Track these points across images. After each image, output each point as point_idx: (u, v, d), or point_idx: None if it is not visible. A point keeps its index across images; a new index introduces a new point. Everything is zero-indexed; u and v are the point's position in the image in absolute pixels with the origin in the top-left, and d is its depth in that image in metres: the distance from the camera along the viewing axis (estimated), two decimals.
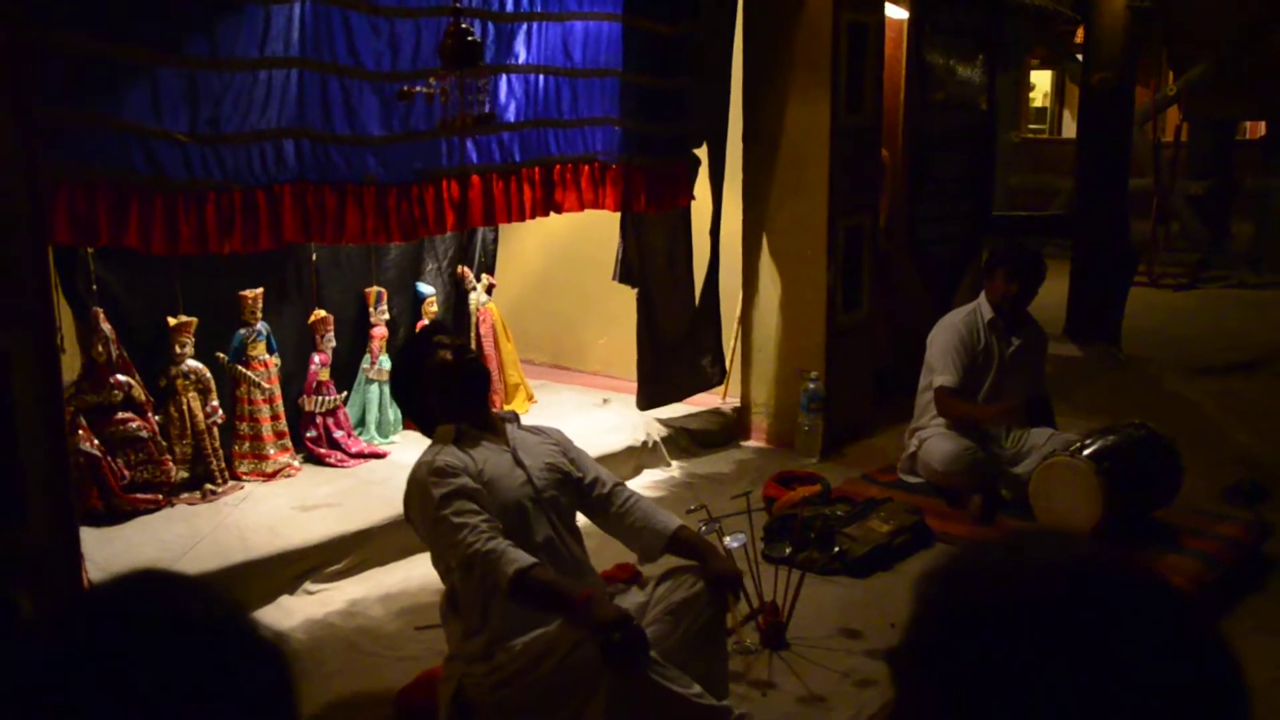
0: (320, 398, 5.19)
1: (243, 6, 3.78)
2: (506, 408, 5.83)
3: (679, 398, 6.01)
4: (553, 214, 5.09)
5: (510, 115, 4.72)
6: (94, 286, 4.41)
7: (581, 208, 5.14)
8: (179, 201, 3.71)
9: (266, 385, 4.94)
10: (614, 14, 5.02)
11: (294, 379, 5.17)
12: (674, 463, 5.69)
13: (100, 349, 4.36)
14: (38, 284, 2.94)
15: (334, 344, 5.23)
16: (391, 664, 3.69)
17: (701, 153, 5.70)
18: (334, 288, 5.36)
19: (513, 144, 4.75)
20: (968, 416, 4.93)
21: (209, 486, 4.70)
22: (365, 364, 5.45)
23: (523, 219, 4.94)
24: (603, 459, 4.98)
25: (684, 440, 5.86)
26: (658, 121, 5.32)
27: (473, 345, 5.92)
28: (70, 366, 4.20)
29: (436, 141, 4.43)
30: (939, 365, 4.99)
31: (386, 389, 5.30)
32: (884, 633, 3.82)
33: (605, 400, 6.26)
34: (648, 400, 5.79)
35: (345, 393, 5.37)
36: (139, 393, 4.50)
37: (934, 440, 4.95)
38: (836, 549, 4.37)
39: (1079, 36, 10.99)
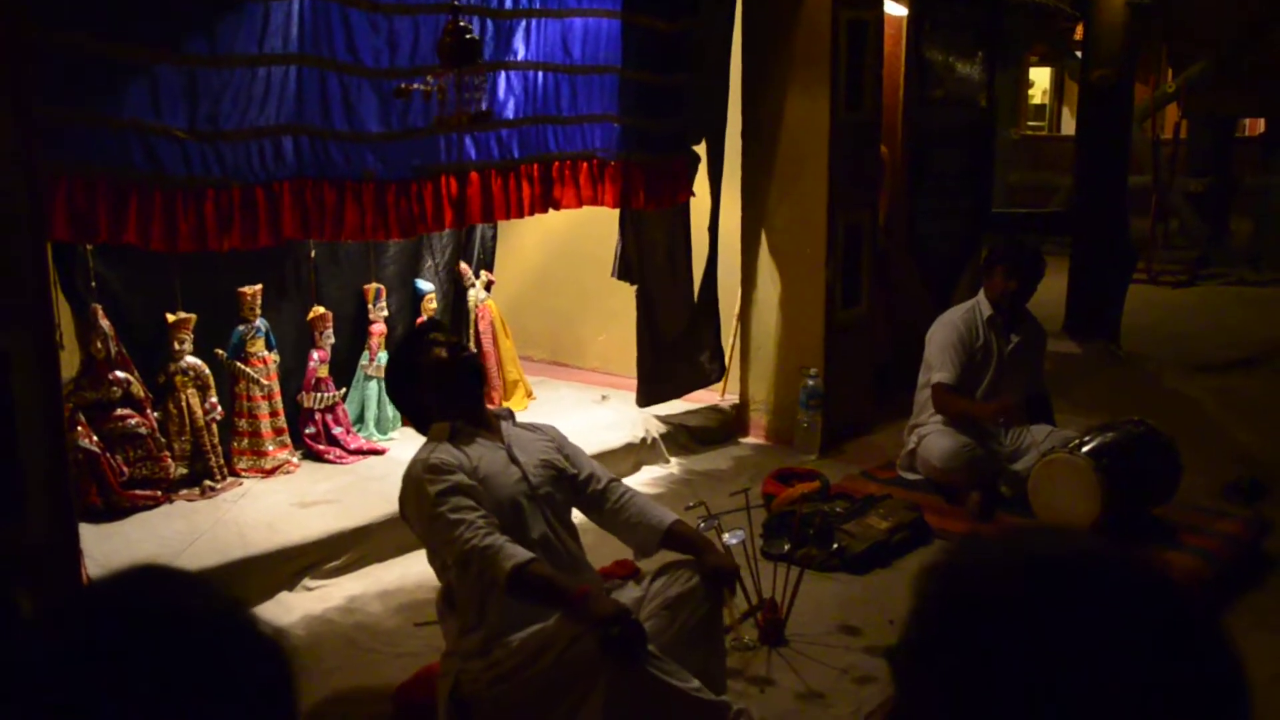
0: (319, 394, 5.19)
1: (242, 4, 3.78)
2: (505, 405, 5.83)
3: (678, 394, 6.02)
4: (551, 211, 5.09)
5: (509, 112, 4.72)
6: (93, 283, 4.40)
7: (580, 204, 5.14)
8: (178, 198, 3.71)
9: (265, 382, 4.94)
10: (613, 10, 5.01)
11: (293, 375, 5.17)
12: (673, 459, 5.69)
13: (99, 346, 4.36)
14: (37, 282, 2.94)
15: (333, 340, 5.23)
16: (390, 660, 3.69)
17: (701, 149, 5.70)
18: (333, 284, 5.36)
19: (511, 141, 4.75)
20: (966, 413, 4.94)
21: (208, 483, 4.70)
22: (364, 360, 5.44)
23: (521, 216, 4.94)
24: (601, 456, 4.99)
25: (683, 437, 5.86)
26: (657, 118, 5.32)
27: (471, 342, 5.92)
28: (69, 363, 4.20)
29: (435, 138, 4.43)
30: (937, 362, 4.99)
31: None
32: (883, 629, 3.83)
33: (604, 397, 6.27)
34: (647, 397, 5.80)
35: (344, 389, 5.37)
36: (138, 389, 4.50)
37: (933, 437, 4.95)
38: (835, 546, 4.37)
39: (1078, 33, 11.00)
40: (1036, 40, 13.21)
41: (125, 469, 4.42)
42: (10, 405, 2.85)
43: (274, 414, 4.98)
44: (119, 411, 4.44)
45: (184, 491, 4.64)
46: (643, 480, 5.39)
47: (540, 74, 4.80)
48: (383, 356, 5.39)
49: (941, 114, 6.96)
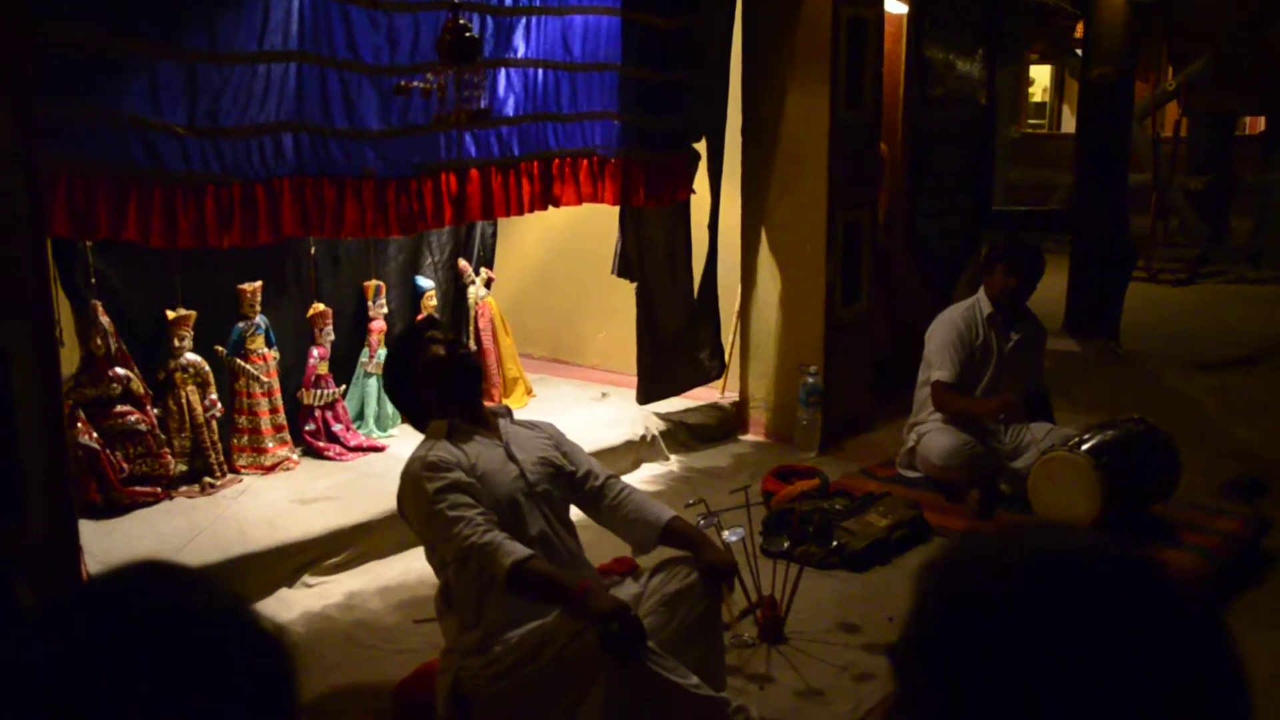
0: (319, 391, 5.19)
1: (242, 0, 3.78)
2: (505, 402, 5.83)
3: (678, 392, 6.02)
4: (551, 208, 5.09)
5: (509, 109, 4.71)
6: (93, 280, 4.40)
7: (580, 202, 5.13)
8: (178, 195, 3.71)
9: (265, 379, 4.94)
10: (613, 8, 5.01)
11: (292, 372, 5.17)
12: (672, 457, 5.69)
13: (99, 342, 4.36)
14: (37, 278, 2.94)
15: (333, 337, 5.23)
16: (390, 657, 3.69)
17: (700, 147, 5.69)
18: (332, 281, 5.36)
19: (511, 138, 4.75)
20: (965, 411, 4.94)
21: (207, 480, 4.70)
22: (364, 357, 5.44)
23: (521, 213, 4.94)
24: (601, 453, 5.00)
25: (682, 434, 5.86)
26: (657, 115, 5.31)
27: (471, 339, 5.92)
28: (69, 360, 4.20)
29: (435, 135, 4.43)
30: (937, 360, 4.99)
31: None
32: (882, 627, 3.83)
33: (604, 394, 6.27)
34: (647, 394, 5.80)
35: (344, 386, 5.37)
36: (138, 386, 4.50)
37: (932, 435, 4.95)
38: (835, 543, 4.37)
39: (1079, 31, 10.98)
40: (1037, 38, 13.20)
41: (125, 466, 4.42)
42: (10, 402, 2.85)
43: (274, 411, 4.98)
44: (119, 408, 4.44)
45: (184, 488, 4.64)
46: (642, 477, 5.39)
47: (540, 71, 4.80)
48: (382, 353, 5.39)
49: (942, 112, 6.96)
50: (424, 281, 5.74)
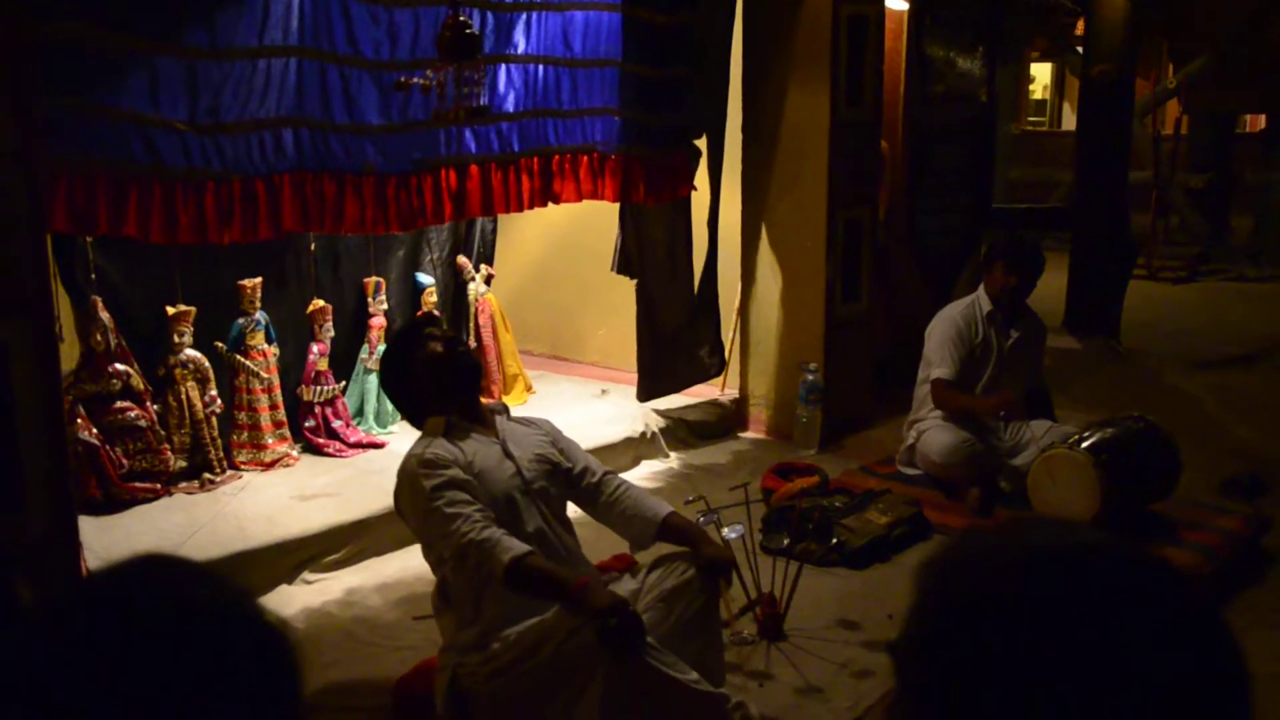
0: (319, 387, 5.19)
1: None
2: (505, 399, 5.83)
3: (678, 389, 6.01)
4: (551, 204, 5.08)
5: (509, 105, 4.71)
6: (93, 275, 4.40)
7: (580, 198, 5.13)
8: (178, 191, 3.71)
9: (265, 375, 4.94)
10: (613, 4, 5.00)
11: (292, 369, 5.17)
12: (672, 454, 5.69)
13: (99, 338, 4.36)
14: (37, 275, 2.94)
15: (332, 334, 5.23)
16: (389, 653, 3.69)
17: (701, 144, 5.69)
18: (332, 277, 5.36)
19: (511, 134, 4.74)
20: (965, 408, 4.94)
21: (207, 476, 4.71)
22: (364, 354, 5.44)
23: (521, 209, 4.94)
24: (601, 450, 5.00)
25: (682, 431, 5.86)
26: (657, 112, 5.31)
27: (471, 336, 5.92)
28: (69, 355, 4.20)
29: (435, 131, 4.43)
30: (936, 357, 4.99)
31: None
32: (881, 624, 3.83)
33: (604, 391, 6.26)
34: (647, 391, 5.79)
35: (344, 382, 5.37)
36: (137, 382, 4.50)
37: (932, 432, 4.95)
38: (834, 540, 4.37)
39: (1079, 29, 10.97)
40: (1037, 36, 13.19)
41: (125, 461, 4.42)
42: (10, 398, 2.85)
43: (273, 407, 4.98)
44: (118, 404, 4.44)
45: (183, 484, 4.64)
46: (642, 474, 5.39)
47: (540, 67, 4.80)
48: (382, 350, 5.39)
49: (942, 109, 6.95)
50: (424, 278, 5.74)
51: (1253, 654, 0.89)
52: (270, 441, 4.94)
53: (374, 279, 5.41)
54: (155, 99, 3.61)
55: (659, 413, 5.83)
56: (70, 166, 3.44)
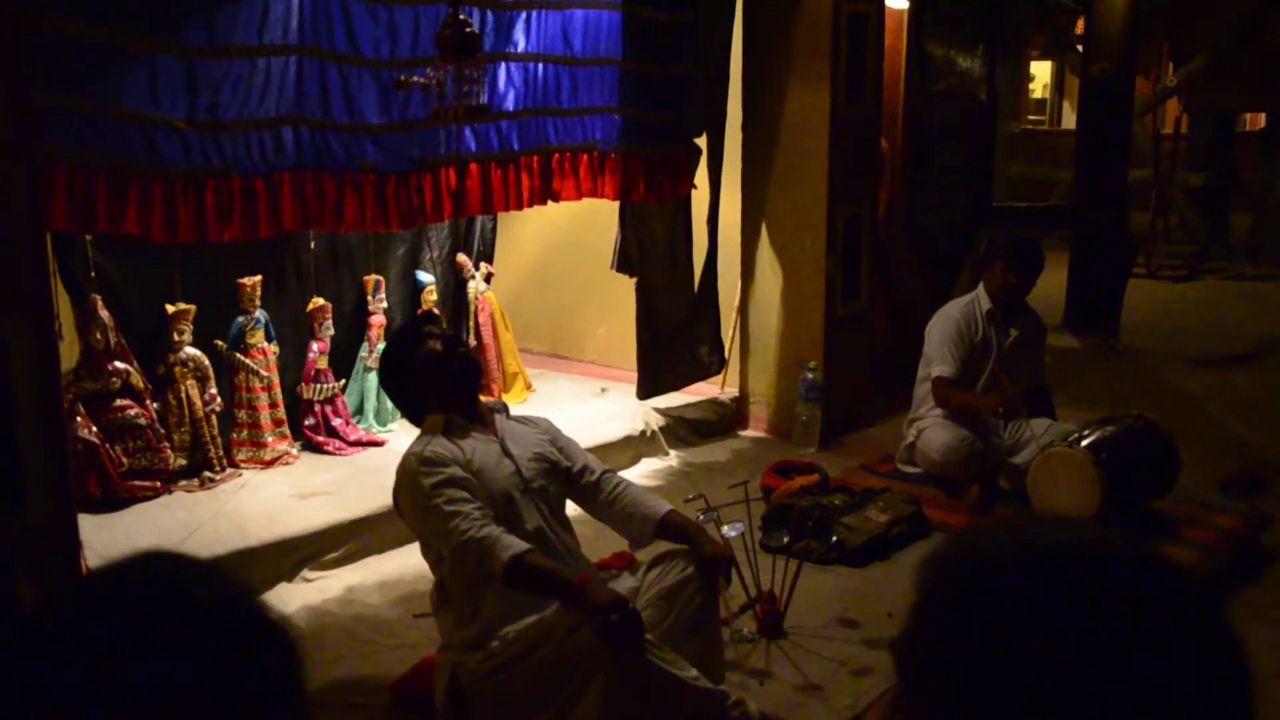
0: (318, 386, 5.19)
1: None
2: (504, 397, 5.83)
3: (678, 387, 6.01)
4: (551, 203, 5.08)
5: (509, 104, 4.71)
6: (92, 274, 4.40)
7: (580, 196, 5.13)
8: (178, 189, 3.70)
9: (265, 373, 4.94)
10: (613, 2, 5.00)
11: (292, 367, 5.17)
12: (672, 452, 5.69)
13: (98, 336, 4.36)
14: (36, 273, 2.94)
15: (332, 332, 5.23)
16: (389, 651, 3.69)
17: (701, 142, 5.69)
18: (332, 276, 5.36)
19: (511, 132, 4.74)
20: (966, 406, 4.94)
21: (207, 474, 4.70)
22: (364, 352, 5.44)
23: (520, 208, 4.94)
24: (601, 448, 5.00)
25: (682, 429, 5.86)
26: (657, 110, 5.30)
27: (471, 334, 5.92)
28: (68, 354, 4.20)
29: (435, 130, 4.42)
30: (936, 355, 4.99)
31: None
32: (881, 622, 3.83)
33: (603, 389, 6.26)
34: (647, 390, 5.79)
35: (343, 381, 5.37)
36: (137, 380, 4.50)
37: (932, 430, 4.95)
38: (834, 539, 4.37)
39: (1079, 27, 10.96)
40: (1037, 34, 13.16)
41: (124, 460, 4.42)
42: (10, 396, 2.85)
43: (273, 405, 4.98)
44: (118, 402, 4.44)
45: (183, 482, 4.64)
46: (642, 473, 5.39)
47: (540, 66, 4.79)
48: (382, 348, 5.39)
49: (942, 107, 6.95)
50: (424, 276, 5.73)
51: (1252, 651, 0.89)
52: (270, 440, 4.95)
53: (374, 277, 5.41)
54: (155, 97, 3.60)
55: (659, 411, 5.83)
56: (69, 164, 3.44)
